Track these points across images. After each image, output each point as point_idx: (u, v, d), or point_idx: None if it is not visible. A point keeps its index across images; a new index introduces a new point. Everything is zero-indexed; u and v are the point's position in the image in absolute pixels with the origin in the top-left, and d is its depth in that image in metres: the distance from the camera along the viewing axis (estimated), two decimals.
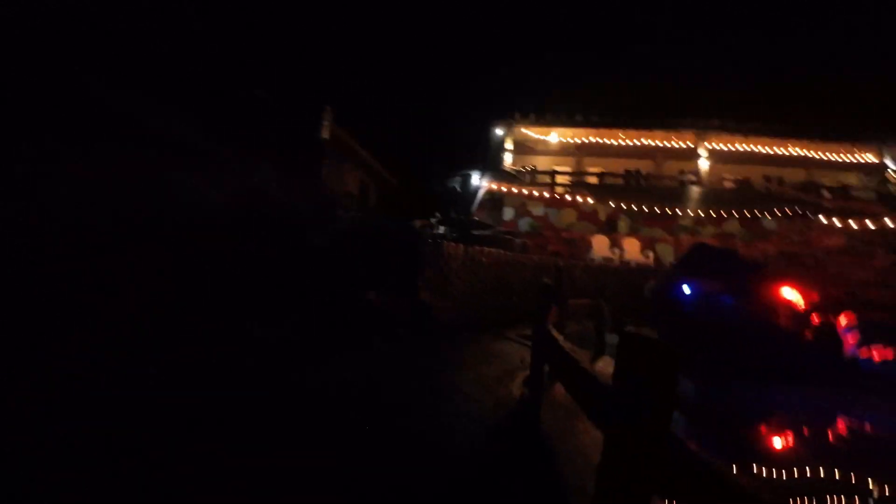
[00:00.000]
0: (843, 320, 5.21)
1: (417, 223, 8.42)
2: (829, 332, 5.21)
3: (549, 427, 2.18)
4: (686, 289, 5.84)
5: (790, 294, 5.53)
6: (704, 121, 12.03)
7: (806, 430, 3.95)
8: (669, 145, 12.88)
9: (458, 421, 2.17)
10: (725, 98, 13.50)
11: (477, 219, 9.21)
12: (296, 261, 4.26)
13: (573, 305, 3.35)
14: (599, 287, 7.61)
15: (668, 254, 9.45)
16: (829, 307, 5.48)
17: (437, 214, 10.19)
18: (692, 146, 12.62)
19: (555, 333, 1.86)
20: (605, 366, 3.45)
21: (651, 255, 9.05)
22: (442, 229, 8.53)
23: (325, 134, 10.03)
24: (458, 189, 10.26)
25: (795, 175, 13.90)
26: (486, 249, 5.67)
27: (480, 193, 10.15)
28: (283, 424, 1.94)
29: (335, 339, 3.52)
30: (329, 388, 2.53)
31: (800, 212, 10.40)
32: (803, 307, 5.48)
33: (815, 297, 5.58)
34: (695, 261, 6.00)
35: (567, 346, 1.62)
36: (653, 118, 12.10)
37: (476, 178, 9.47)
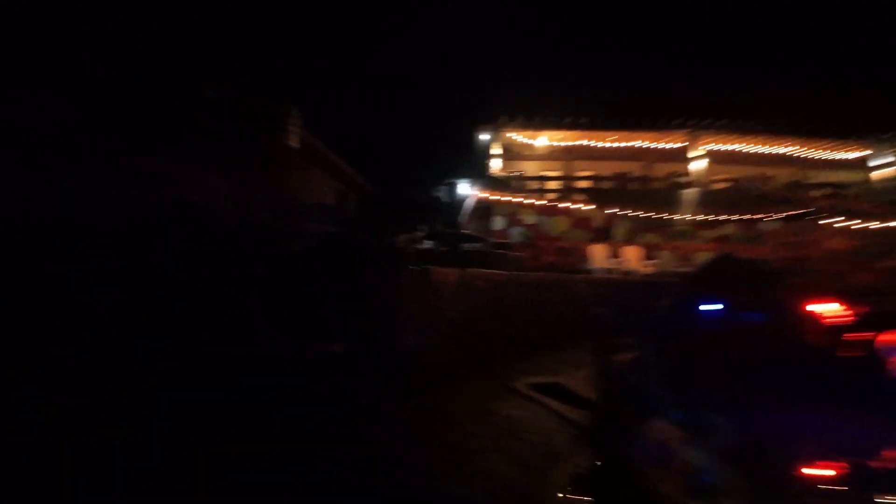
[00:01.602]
0: (884, 338, 4.66)
1: (402, 238, 7.60)
2: (869, 350, 4.66)
3: None
4: (709, 307, 5.22)
5: (824, 308, 4.98)
6: (697, 120, 11.67)
7: (854, 463, 3.39)
8: (660, 146, 12.49)
9: None
10: (716, 96, 13.25)
11: (466, 231, 8.43)
12: (241, 294, 3.35)
13: (618, 362, 2.58)
14: (604, 303, 6.92)
15: (669, 262, 8.91)
16: (863, 322, 4.95)
17: (423, 227, 9.39)
18: (684, 147, 12.26)
19: None
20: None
21: (652, 263, 8.48)
22: (429, 244, 7.73)
23: (294, 141, 9.09)
24: (444, 198, 9.48)
25: (785, 174, 13.76)
26: (482, 272, 4.88)
27: (469, 202, 9.43)
28: None
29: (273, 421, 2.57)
30: None
31: (796, 212, 10.06)
32: (838, 322, 4.94)
33: (849, 310, 5.05)
34: (716, 274, 5.40)
35: None
36: (644, 119, 11.67)
37: (464, 187, 8.71)
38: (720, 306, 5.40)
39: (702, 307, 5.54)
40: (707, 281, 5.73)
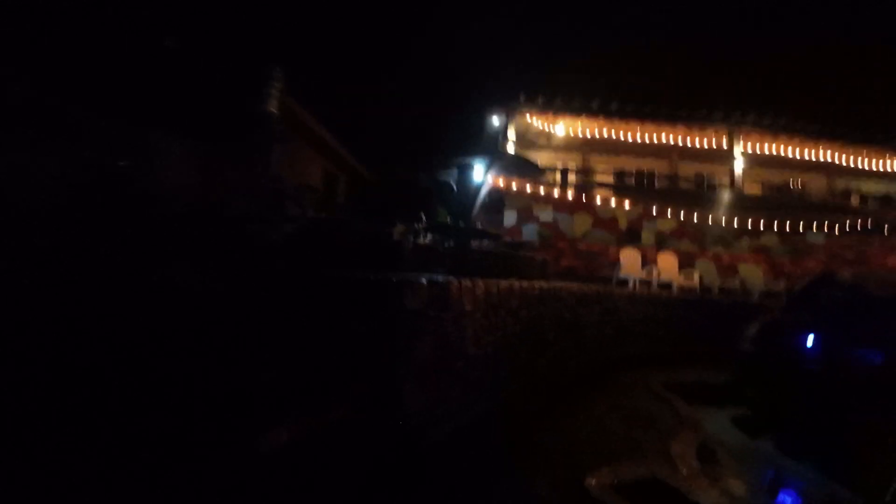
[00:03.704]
0: None
1: (398, 229, 6.14)
2: None
3: None
4: (810, 339, 3.90)
5: None
6: (739, 116, 10.36)
7: None
8: (692, 144, 11.17)
9: None
10: (752, 89, 11.77)
11: (479, 225, 7.01)
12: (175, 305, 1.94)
13: None
14: (655, 328, 5.58)
15: (710, 274, 7.62)
16: None
17: (423, 216, 7.91)
18: (718, 146, 10.96)
19: None
20: None
21: (695, 275, 7.17)
22: (430, 238, 6.27)
23: (273, 106, 7.49)
24: (454, 185, 8.01)
25: (817, 182, 12.62)
26: (516, 286, 3.47)
27: (484, 190, 8.00)
28: None
29: None
30: None
31: (855, 225, 8.86)
32: None
33: None
34: (819, 298, 4.08)
35: None
36: (680, 110, 10.31)
37: (480, 170, 7.25)
38: (816, 341, 3.97)
39: (795, 340, 4.13)
40: (803, 309, 4.41)
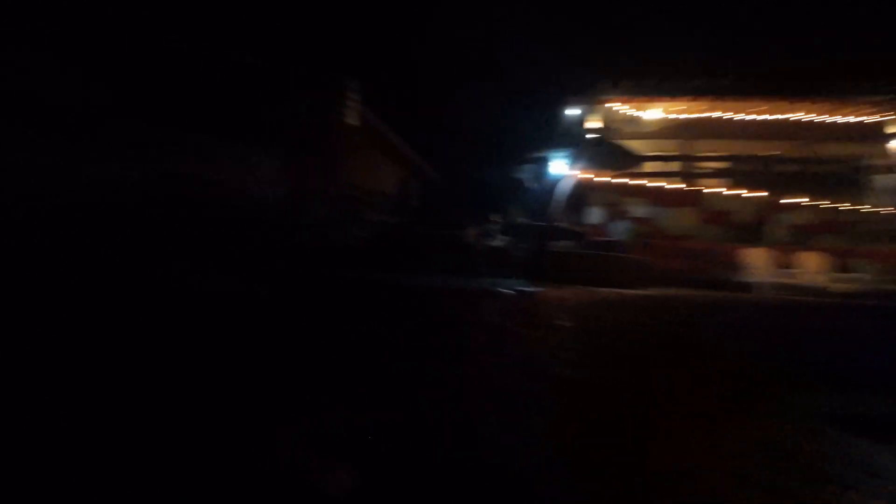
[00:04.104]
0: None
1: (470, 231, 5.82)
2: None
3: None
4: None
5: None
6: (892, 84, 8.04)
7: None
8: (837, 121, 8.95)
9: None
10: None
11: (559, 224, 6.36)
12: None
13: None
14: (795, 343, 4.40)
15: (869, 275, 5.89)
16: None
17: (497, 218, 7.54)
18: (874, 121, 8.63)
19: None
20: None
21: (848, 277, 5.58)
22: (504, 240, 5.89)
23: (353, 118, 7.76)
24: (527, 181, 7.47)
25: None
26: (615, 294, 2.87)
27: (564, 185, 7.27)
28: None
29: None
30: None
31: None
32: None
33: None
34: None
35: None
36: (817, 81, 8.31)
37: (558, 163, 6.62)
38: None
39: None
40: None
